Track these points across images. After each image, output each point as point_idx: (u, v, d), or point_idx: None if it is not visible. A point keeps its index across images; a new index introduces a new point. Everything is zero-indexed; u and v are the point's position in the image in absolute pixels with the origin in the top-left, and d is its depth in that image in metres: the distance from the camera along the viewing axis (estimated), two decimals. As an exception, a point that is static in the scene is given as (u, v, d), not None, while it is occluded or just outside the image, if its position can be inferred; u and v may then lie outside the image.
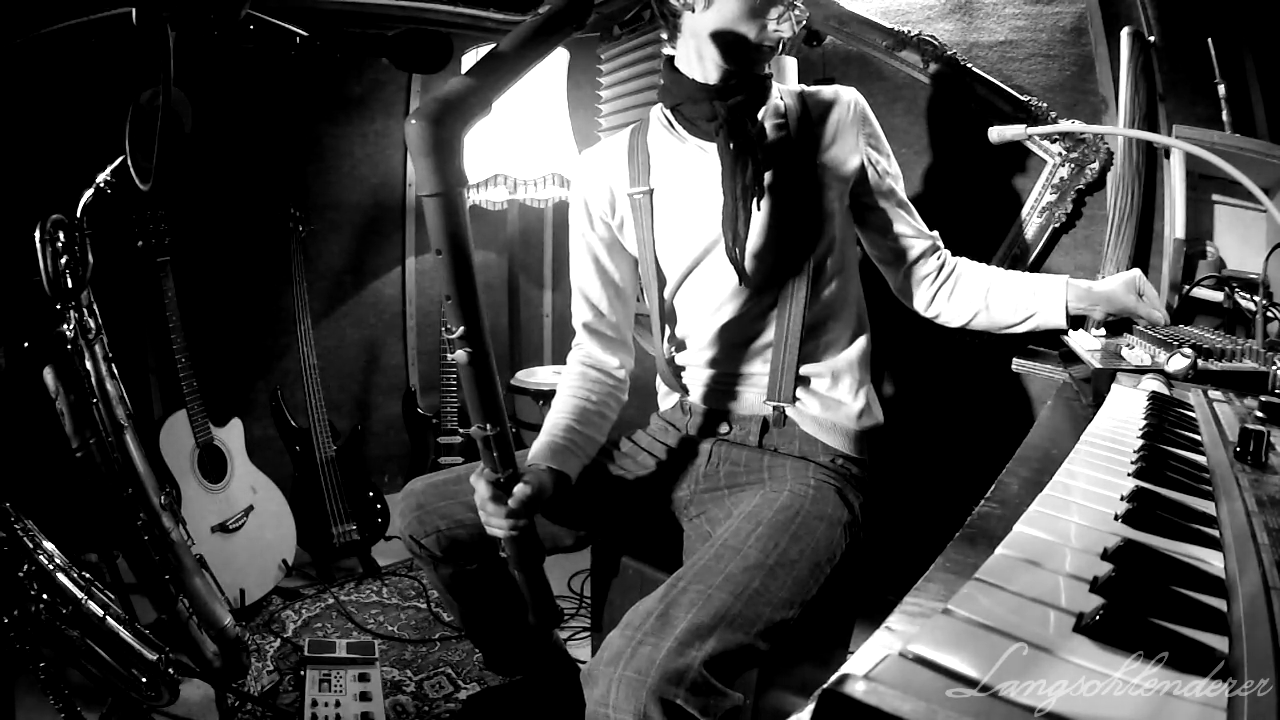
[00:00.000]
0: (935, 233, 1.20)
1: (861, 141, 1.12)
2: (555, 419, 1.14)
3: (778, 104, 1.12)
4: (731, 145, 1.04)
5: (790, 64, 1.70)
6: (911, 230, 1.17)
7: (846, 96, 1.13)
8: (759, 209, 1.07)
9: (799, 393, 1.11)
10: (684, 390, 1.19)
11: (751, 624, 0.83)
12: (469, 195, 2.08)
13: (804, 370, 1.11)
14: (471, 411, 0.90)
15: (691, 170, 1.11)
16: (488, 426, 0.89)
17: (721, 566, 0.88)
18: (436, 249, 0.80)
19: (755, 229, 1.08)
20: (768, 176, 1.08)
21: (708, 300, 1.12)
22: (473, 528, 1.08)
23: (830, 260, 1.11)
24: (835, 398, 1.12)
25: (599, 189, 1.17)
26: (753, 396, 1.13)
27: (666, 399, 1.26)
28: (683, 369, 1.20)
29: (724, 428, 1.15)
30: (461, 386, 0.89)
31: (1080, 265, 1.55)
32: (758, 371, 1.13)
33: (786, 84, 1.27)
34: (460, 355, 0.85)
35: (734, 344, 1.13)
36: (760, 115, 1.09)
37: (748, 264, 1.08)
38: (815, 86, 1.16)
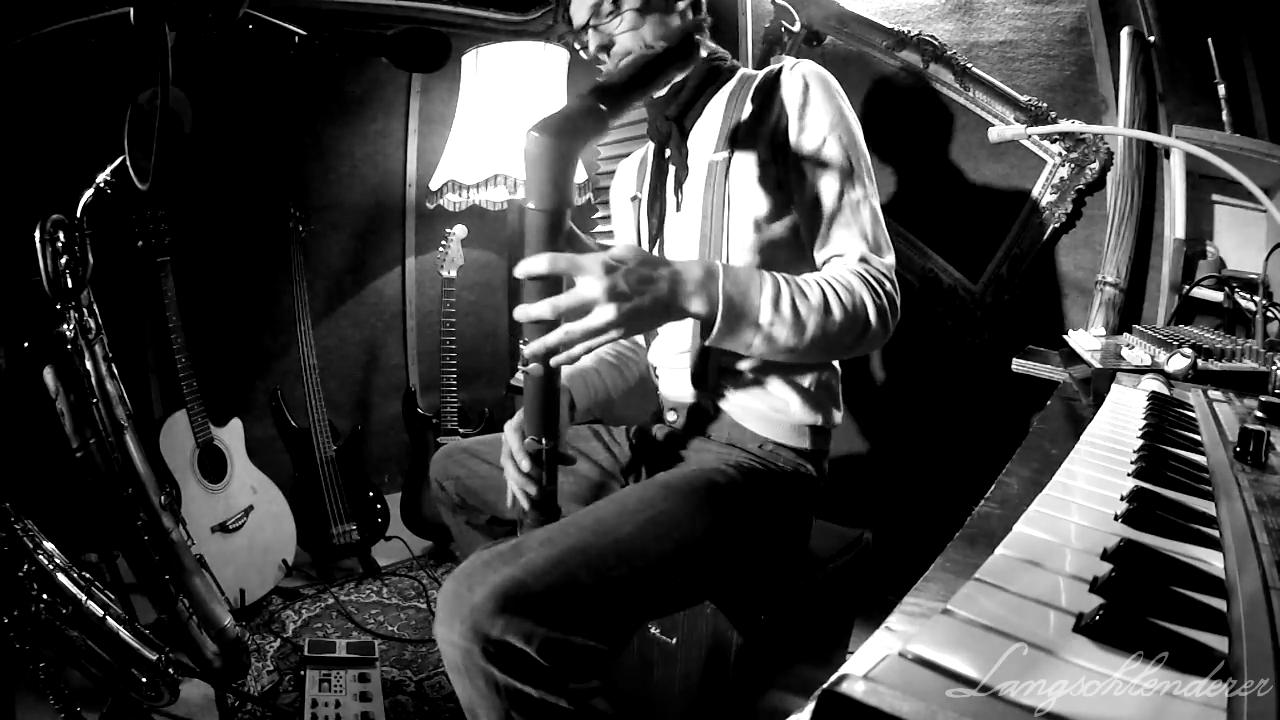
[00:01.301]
0: (847, 253, 1.00)
1: (782, 116, 1.02)
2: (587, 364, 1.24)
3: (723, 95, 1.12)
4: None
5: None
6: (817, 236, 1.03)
7: (783, 68, 1.06)
8: (677, 209, 1.12)
9: (725, 382, 1.08)
10: (655, 373, 1.25)
11: (604, 569, 0.80)
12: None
13: (725, 362, 1.07)
14: (531, 424, 0.93)
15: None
16: (542, 441, 0.92)
17: (592, 511, 0.87)
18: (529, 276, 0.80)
19: (677, 224, 1.12)
20: (691, 170, 1.10)
21: None
22: (483, 480, 1.19)
23: (746, 258, 1.04)
24: (766, 388, 1.07)
25: (621, 190, 1.31)
26: (685, 384, 1.12)
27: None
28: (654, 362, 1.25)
29: (671, 415, 1.16)
30: (527, 398, 0.92)
31: (1080, 265, 1.55)
32: (695, 362, 1.11)
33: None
34: (535, 368, 0.85)
35: (671, 333, 1.15)
36: (696, 109, 1.11)
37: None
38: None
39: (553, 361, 0.82)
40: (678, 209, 1.12)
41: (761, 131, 1.03)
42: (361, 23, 2.16)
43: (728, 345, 0.88)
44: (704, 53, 1.12)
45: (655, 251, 1.14)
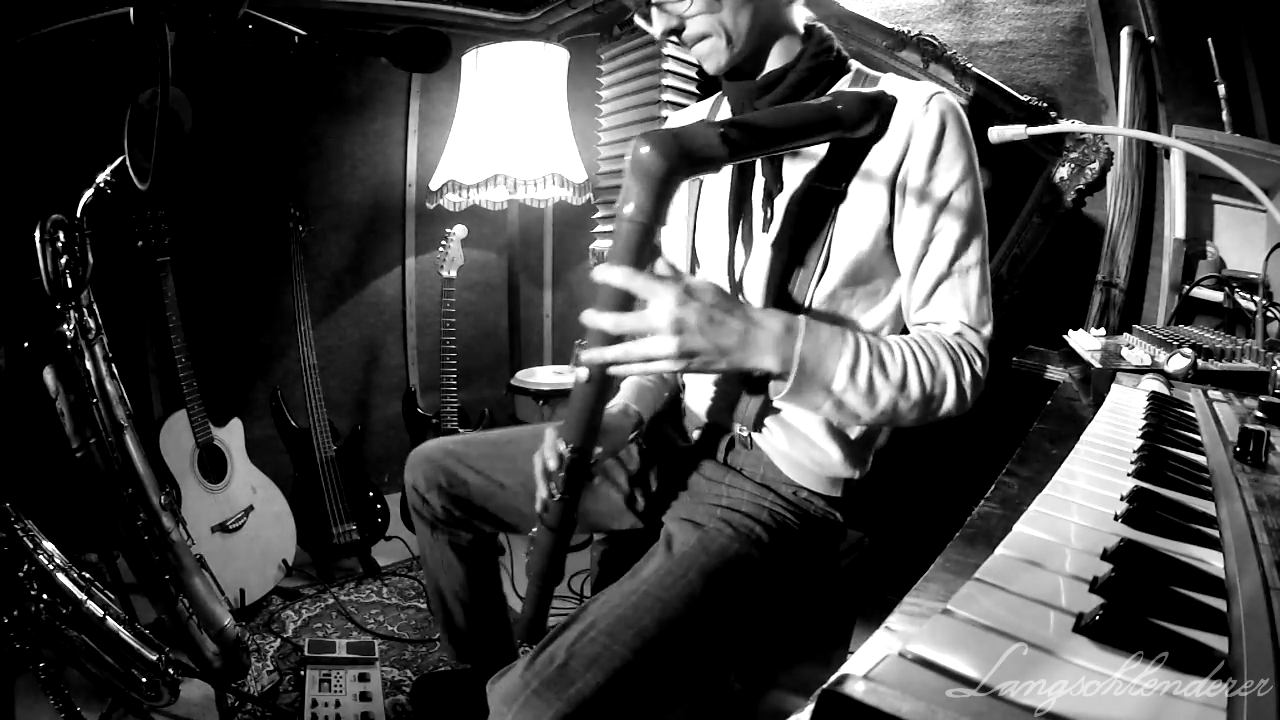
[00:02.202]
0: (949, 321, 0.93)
1: (909, 154, 0.89)
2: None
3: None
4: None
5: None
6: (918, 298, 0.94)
7: (919, 97, 0.90)
8: (765, 230, 0.98)
9: (767, 421, 1.02)
10: (681, 388, 1.18)
11: (652, 686, 0.79)
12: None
13: (775, 401, 1.00)
14: (567, 429, 0.88)
15: (727, 174, 1.03)
16: (569, 447, 0.88)
17: (636, 618, 0.82)
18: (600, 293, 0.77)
19: (758, 244, 0.99)
20: (787, 186, 0.96)
21: None
22: (475, 489, 1.11)
23: (832, 304, 0.96)
24: (806, 435, 1.00)
25: None
26: (722, 412, 1.07)
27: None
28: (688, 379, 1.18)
29: (696, 434, 1.10)
30: (572, 402, 0.87)
31: (1080, 265, 1.55)
32: (733, 390, 1.06)
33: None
34: (584, 373, 0.82)
35: None
36: None
37: (741, 285, 1.01)
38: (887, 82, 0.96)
39: (610, 371, 0.79)
40: (765, 227, 0.98)
41: (883, 166, 0.90)
42: (361, 23, 2.16)
43: (794, 404, 0.84)
44: (800, 25, 0.96)
45: (733, 264, 1.02)
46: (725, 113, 1.07)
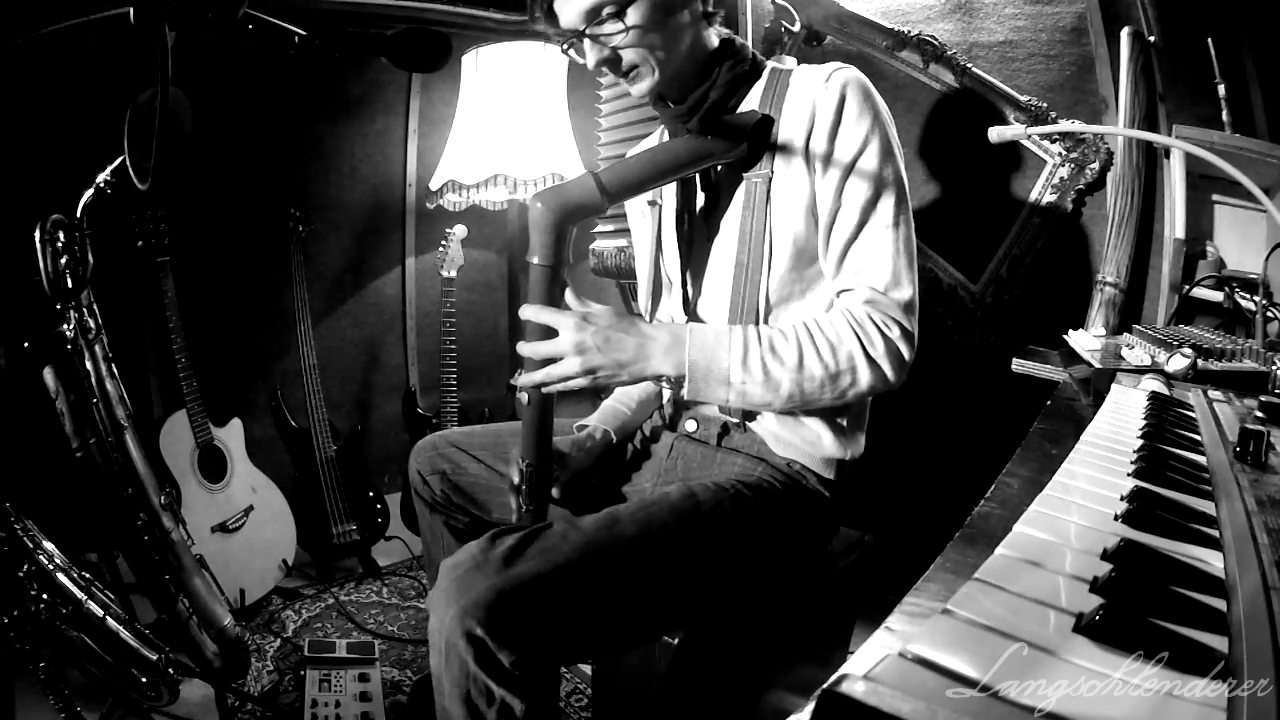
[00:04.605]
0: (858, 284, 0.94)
1: (815, 127, 0.94)
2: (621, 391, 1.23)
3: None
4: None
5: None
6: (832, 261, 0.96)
7: (821, 75, 0.95)
8: (710, 233, 1.04)
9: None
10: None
11: (591, 593, 0.80)
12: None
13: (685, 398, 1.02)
14: (523, 447, 0.99)
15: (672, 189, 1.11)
16: (525, 462, 0.98)
17: (592, 529, 0.85)
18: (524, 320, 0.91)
19: (710, 250, 1.04)
20: (724, 187, 1.02)
21: (679, 316, 1.14)
22: (473, 479, 1.18)
23: (787, 289, 0.99)
24: (799, 419, 1.03)
25: None
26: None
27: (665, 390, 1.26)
28: None
29: (690, 424, 1.12)
30: (521, 424, 0.99)
31: (1080, 265, 1.55)
32: None
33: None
34: (524, 396, 0.95)
35: None
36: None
37: (701, 292, 1.07)
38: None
39: (545, 390, 0.92)
40: (710, 233, 1.04)
41: (796, 144, 0.95)
42: (361, 23, 2.16)
43: (705, 400, 0.93)
44: (716, 42, 1.01)
45: (686, 277, 1.08)
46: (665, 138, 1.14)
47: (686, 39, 0.97)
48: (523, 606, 0.75)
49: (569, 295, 0.91)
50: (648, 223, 1.17)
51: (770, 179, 0.97)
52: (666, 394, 1.20)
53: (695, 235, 1.07)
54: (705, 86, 1.00)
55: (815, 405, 0.93)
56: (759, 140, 0.96)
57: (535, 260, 0.88)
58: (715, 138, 0.94)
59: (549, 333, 0.89)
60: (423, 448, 1.23)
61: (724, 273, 1.03)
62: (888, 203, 0.93)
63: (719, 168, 1.03)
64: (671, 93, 1.02)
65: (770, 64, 1.03)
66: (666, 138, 1.09)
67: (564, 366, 0.89)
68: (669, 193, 1.11)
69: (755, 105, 1.00)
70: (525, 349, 0.90)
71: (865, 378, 0.90)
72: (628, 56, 0.95)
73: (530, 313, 0.90)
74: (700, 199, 1.06)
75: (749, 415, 1.05)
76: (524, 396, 0.95)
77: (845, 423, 1.04)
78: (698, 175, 1.05)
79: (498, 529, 0.84)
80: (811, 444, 1.03)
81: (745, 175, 0.99)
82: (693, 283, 1.09)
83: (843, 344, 0.90)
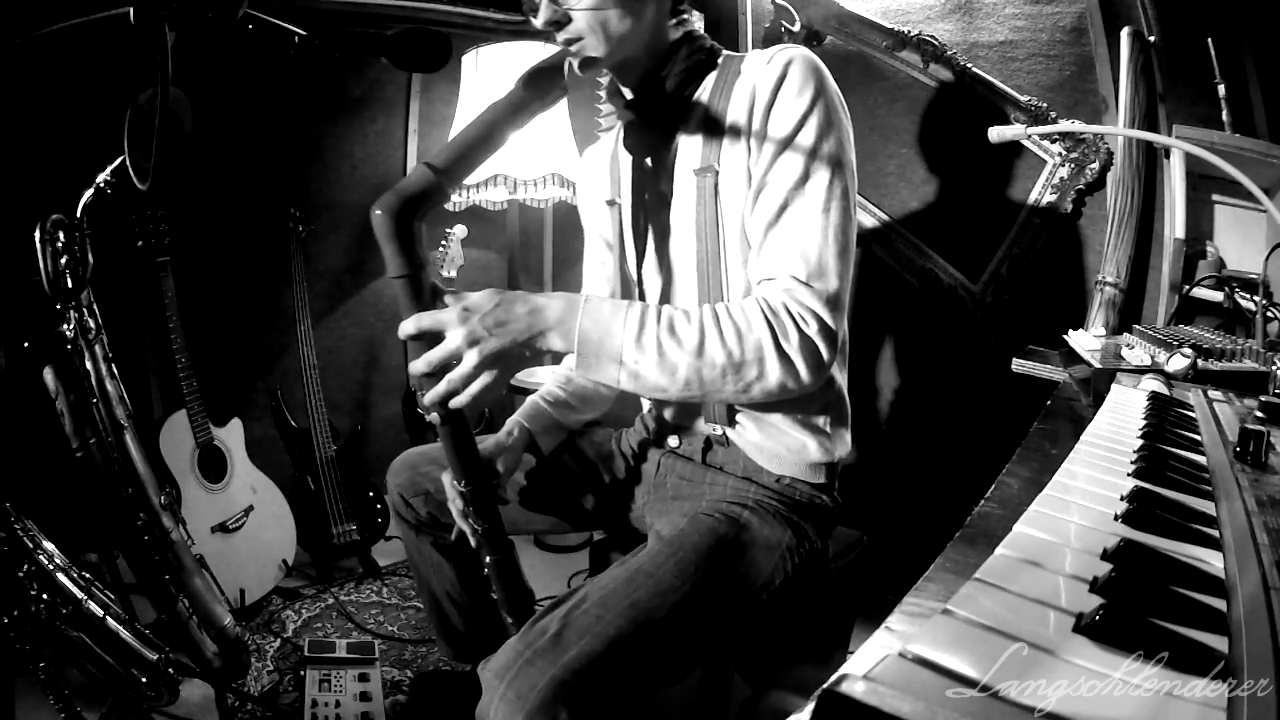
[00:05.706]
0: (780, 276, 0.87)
1: (755, 107, 0.89)
2: (548, 386, 1.19)
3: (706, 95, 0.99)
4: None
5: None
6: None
7: (767, 56, 0.91)
8: (666, 231, 1.01)
9: (739, 416, 1.02)
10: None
11: (648, 657, 0.78)
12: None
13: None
14: (454, 469, 0.93)
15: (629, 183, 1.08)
16: (461, 483, 0.93)
17: (629, 591, 0.82)
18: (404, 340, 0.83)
19: (670, 247, 1.01)
20: (678, 181, 0.98)
21: None
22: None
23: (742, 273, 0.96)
24: (775, 424, 1.00)
25: (590, 186, 1.19)
26: (697, 414, 1.08)
27: (644, 403, 1.25)
28: None
29: (674, 440, 1.11)
30: (444, 446, 0.93)
31: (1080, 265, 1.55)
32: None
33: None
34: (435, 418, 0.88)
35: None
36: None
37: (673, 291, 1.04)
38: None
39: (453, 405, 0.83)
40: (666, 230, 1.02)
41: (738, 126, 0.91)
42: (361, 23, 2.16)
43: (595, 379, 0.85)
44: (678, 35, 0.98)
45: (650, 275, 1.06)
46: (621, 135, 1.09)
47: (646, 24, 0.93)
48: (588, 688, 0.73)
49: (447, 298, 0.82)
50: (607, 223, 1.14)
51: (718, 170, 0.93)
52: (646, 405, 1.17)
53: (652, 233, 1.04)
54: (660, 75, 0.97)
55: (718, 398, 0.86)
56: (550, 79, 0.87)
57: (392, 272, 0.80)
58: (528, 84, 0.85)
59: (434, 344, 0.81)
60: (400, 468, 1.19)
61: (688, 269, 1.00)
62: (818, 184, 0.85)
63: (671, 163, 0.99)
64: (628, 81, 1.00)
65: (725, 52, 1.00)
66: (623, 135, 1.04)
67: (463, 366, 0.80)
68: (625, 191, 1.08)
69: (708, 94, 0.96)
70: (417, 366, 0.81)
71: (774, 372, 0.83)
72: (576, 21, 0.89)
73: (409, 326, 0.80)
74: (657, 201, 1.03)
75: (730, 425, 1.03)
76: (434, 418, 0.88)
77: (826, 424, 1.01)
78: (649, 173, 1.02)
79: (526, 620, 0.82)
80: (797, 452, 1.01)
81: (694, 170, 0.95)
82: (661, 281, 1.06)
83: (751, 332, 0.82)
